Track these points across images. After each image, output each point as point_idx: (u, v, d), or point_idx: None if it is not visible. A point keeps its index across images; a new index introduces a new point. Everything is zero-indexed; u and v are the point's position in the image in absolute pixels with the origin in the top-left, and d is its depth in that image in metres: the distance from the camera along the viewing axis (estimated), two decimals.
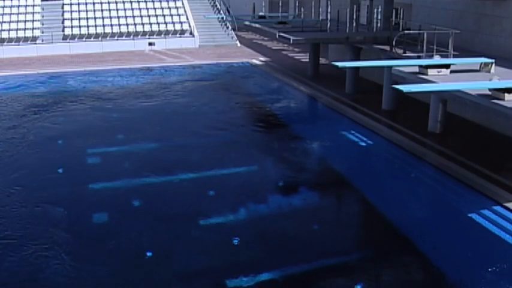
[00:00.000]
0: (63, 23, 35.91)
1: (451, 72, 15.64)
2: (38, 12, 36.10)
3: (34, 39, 34.39)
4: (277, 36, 24.80)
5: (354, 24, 24.82)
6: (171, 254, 11.35)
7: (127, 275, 10.70)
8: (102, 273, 10.66)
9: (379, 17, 22.70)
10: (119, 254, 11.41)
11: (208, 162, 16.45)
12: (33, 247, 11.43)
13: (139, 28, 36.49)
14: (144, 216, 13.10)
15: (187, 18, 37.87)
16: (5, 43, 33.83)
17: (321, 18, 29.32)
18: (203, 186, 14.79)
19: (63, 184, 14.84)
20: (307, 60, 28.74)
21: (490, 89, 13.44)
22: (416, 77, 15.50)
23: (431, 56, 17.69)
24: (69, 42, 34.80)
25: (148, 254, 11.25)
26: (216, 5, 40.68)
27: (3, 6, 35.74)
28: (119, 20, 36.68)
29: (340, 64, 17.14)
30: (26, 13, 35.70)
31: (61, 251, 11.28)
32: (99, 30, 35.74)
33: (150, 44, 35.98)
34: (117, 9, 37.41)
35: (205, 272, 10.79)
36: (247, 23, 31.94)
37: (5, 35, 34.01)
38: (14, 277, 10.50)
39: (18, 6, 36.11)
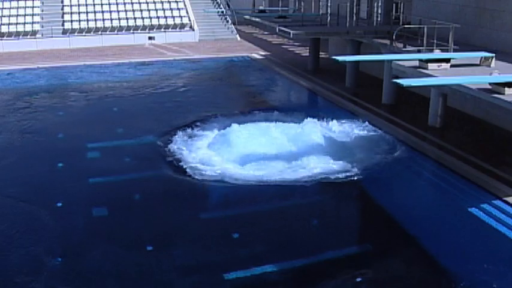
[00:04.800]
0: (62, 17, 35.83)
1: (451, 66, 15.62)
2: (38, 7, 36.00)
3: (34, 33, 34.32)
4: (277, 30, 24.79)
5: (354, 18, 24.81)
6: None
7: None
8: None
9: (379, 11, 22.71)
10: None
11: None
12: None
13: (139, 22, 36.41)
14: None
15: (187, 13, 37.78)
16: (5, 37, 33.77)
17: (321, 12, 29.30)
18: None
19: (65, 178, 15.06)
20: (308, 54, 28.70)
21: (490, 83, 13.43)
22: (417, 71, 15.47)
23: (431, 50, 17.67)
24: (68, 37, 34.73)
25: None
26: None
27: (3, 1, 35.62)
28: (118, 14, 36.60)
29: (340, 58, 17.10)
30: (25, 7, 35.61)
31: None
32: (99, 24, 35.66)
33: (150, 38, 35.91)
34: (117, 3, 37.30)
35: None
36: (247, 17, 31.96)
37: (4, 29, 33.96)
38: None
39: (18, 0, 36.01)
